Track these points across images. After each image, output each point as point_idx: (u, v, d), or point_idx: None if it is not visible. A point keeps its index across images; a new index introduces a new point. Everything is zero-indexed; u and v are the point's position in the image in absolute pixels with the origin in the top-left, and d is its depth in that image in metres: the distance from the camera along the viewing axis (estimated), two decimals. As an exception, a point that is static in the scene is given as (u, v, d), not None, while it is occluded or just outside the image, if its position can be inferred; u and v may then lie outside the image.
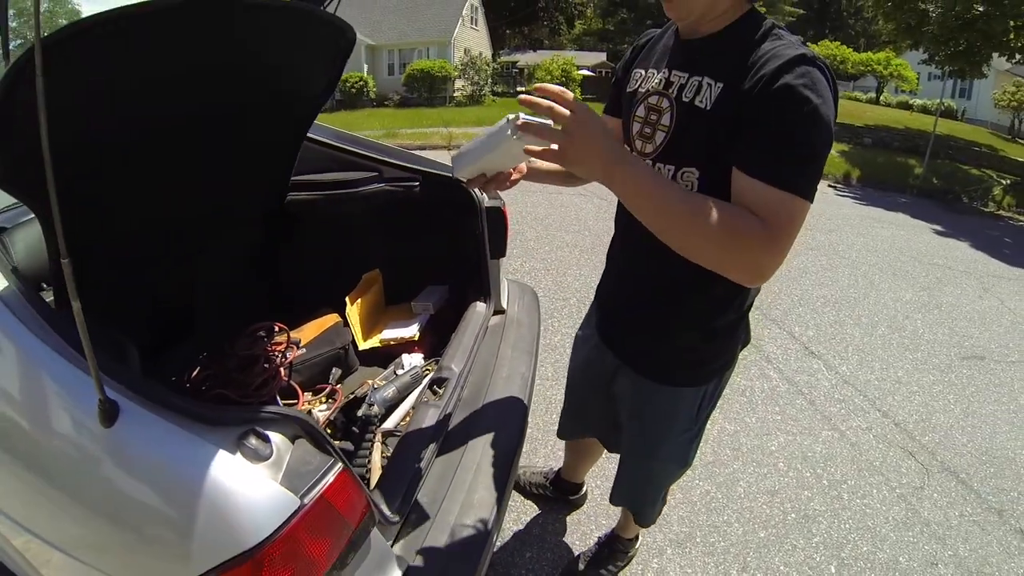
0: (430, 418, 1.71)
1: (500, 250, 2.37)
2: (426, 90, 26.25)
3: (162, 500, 1.00)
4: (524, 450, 2.30)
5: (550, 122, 1.01)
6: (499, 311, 2.43)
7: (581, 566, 2.23)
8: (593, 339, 1.76)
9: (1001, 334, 5.23)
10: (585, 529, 2.48)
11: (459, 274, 2.51)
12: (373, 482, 1.63)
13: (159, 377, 2.01)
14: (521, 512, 2.53)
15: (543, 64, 23.53)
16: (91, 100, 1.32)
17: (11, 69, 1.00)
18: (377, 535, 1.23)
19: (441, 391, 1.84)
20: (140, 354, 1.53)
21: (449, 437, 1.73)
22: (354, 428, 1.92)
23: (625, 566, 2.28)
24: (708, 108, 1.15)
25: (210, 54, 1.50)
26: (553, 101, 0.99)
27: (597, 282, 1.78)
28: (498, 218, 2.32)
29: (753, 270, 1.04)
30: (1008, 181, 14.04)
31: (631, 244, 1.48)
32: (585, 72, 28.41)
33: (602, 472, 2.68)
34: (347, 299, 2.43)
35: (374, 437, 1.84)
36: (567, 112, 0.98)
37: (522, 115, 1.03)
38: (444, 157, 1.61)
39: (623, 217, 1.51)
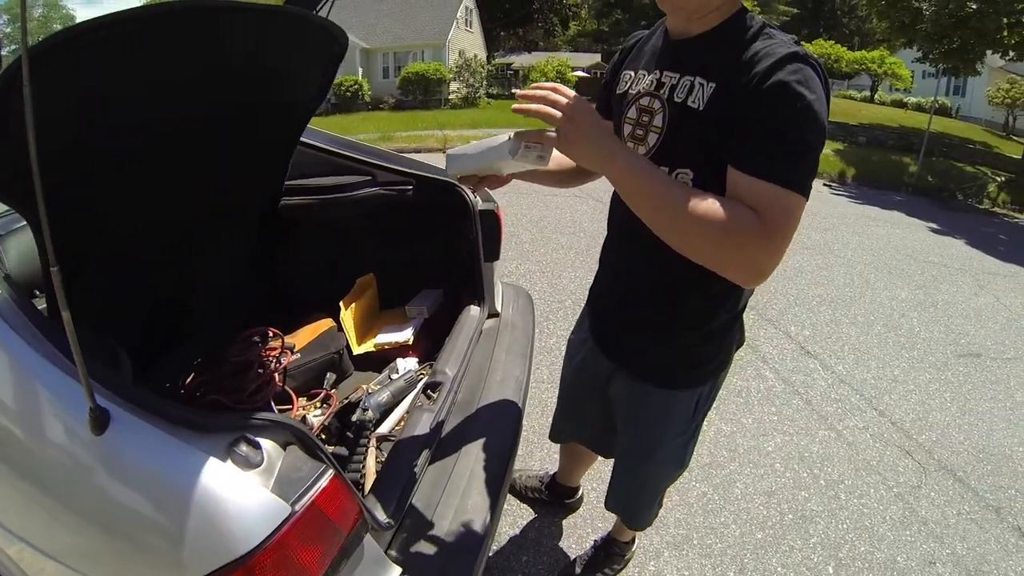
0: (424, 423, 1.70)
1: (494, 253, 2.37)
2: (421, 93, 26.28)
3: (154, 508, 1.00)
4: (520, 453, 2.30)
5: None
6: (493, 314, 2.43)
7: (577, 570, 2.22)
8: (587, 343, 1.75)
9: (997, 331, 5.24)
10: (581, 532, 2.47)
11: (453, 277, 2.50)
12: (368, 487, 1.63)
13: (154, 383, 2.02)
14: (517, 516, 2.52)
15: (538, 66, 23.57)
16: (84, 105, 1.32)
17: (2, 76, 1.00)
18: (371, 541, 1.22)
19: (435, 395, 1.83)
20: (136, 359, 1.53)
21: (444, 442, 1.72)
22: (349, 433, 1.92)
23: (622, 569, 2.27)
24: (701, 108, 1.14)
25: (202, 59, 1.50)
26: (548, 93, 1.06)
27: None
28: (492, 221, 2.32)
29: (752, 267, 1.03)
30: (1003, 178, 14.08)
31: (627, 243, 1.47)
32: (580, 73, 28.47)
33: (598, 475, 2.68)
34: (341, 304, 2.42)
35: (368, 442, 1.83)
36: (563, 100, 1.04)
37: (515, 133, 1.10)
38: (439, 160, 1.60)
39: (618, 216, 1.51)
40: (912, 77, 28.63)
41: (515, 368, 2.11)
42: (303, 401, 2.13)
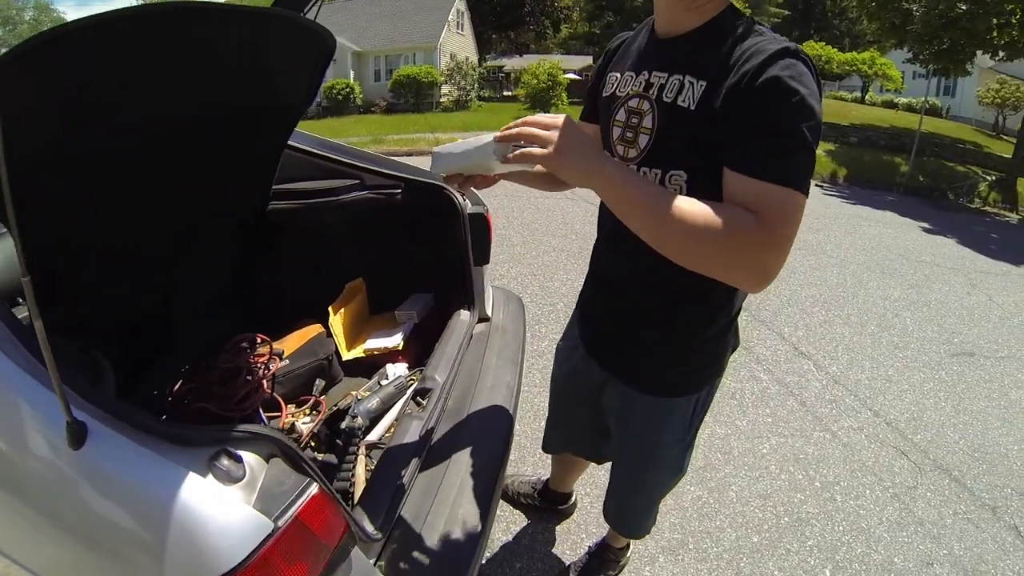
0: (414, 431, 1.68)
1: (484, 257, 2.34)
2: (413, 96, 26.24)
3: (136, 523, 0.98)
4: (512, 458, 2.28)
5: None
6: (484, 319, 2.40)
7: (572, 576, 2.20)
8: (578, 350, 1.72)
9: (990, 330, 5.25)
10: (575, 538, 2.45)
11: (443, 281, 2.48)
12: (357, 496, 1.60)
13: (140, 391, 1.99)
14: (510, 522, 2.50)
15: (529, 68, 23.47)
16: (69, 107, 1.30)
17: None
18: (359, 554, 1.20)
19: (425, 402, 1.81)
20: (126, 365, 1.50)
21: (434, 450, 1.70)
22: (338, 441, 1.89)
23: (617, 575, 2.25)
24: (693, 108, 1.11)
25: (190, 61, 1.47)
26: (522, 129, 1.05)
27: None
28: (481, 224, 2.29)
29: (757, 271, 1.00)
30: (993, 177, 14.13)
31: (618, 248, 1.44)
32: (571, 76, 28.40)
33: (592, 480, 2.66)
34: (330, 309, 2.40)
35: (358, 450, 1.80)
36: (549, 123, 1.03)
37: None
38: (429, 163, 1.58)
39: (608, 221, 1.47)
40: (902, 78, 28.73)
41: (506, 374, 2.09)
42: (292, 408, 2.09)
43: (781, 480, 2.92)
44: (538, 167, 1.09)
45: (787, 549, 2.47)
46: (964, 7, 12.59)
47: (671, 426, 1.57)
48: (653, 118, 1.20)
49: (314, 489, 1.04)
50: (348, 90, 25.83)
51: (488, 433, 1.81)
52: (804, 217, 1.01)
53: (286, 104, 2.02)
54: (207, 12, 1.36)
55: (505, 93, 36.41)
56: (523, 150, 1.04)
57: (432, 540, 1.41)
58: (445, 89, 27.73)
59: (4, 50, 1.11)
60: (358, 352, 2.39)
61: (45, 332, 0.81)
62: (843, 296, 5.70)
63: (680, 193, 1.06)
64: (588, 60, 39.40)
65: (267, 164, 2.23)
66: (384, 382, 2.14)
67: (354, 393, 2.13)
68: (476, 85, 29.17)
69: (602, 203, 1.43)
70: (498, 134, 1.08)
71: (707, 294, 1.32)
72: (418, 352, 2.36)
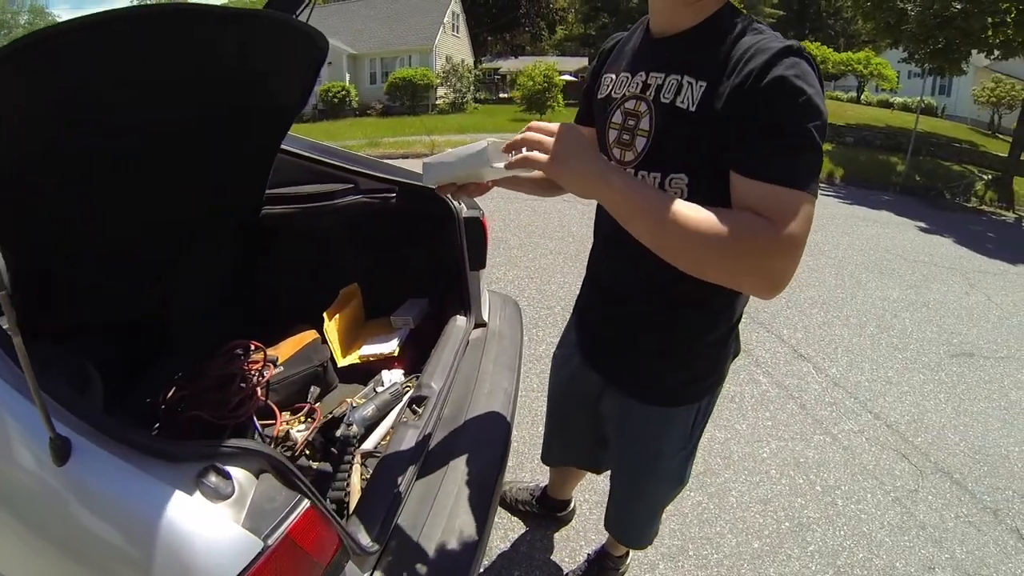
0: (410, 439, 1.65)
1: (480, 261, 2.31)
2: (408, 98, 26.28)
3: (123, 541, 0.96)
4: (510, 465, 2.25)
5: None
6: (480, 324, 2.38)
7: (571, 584, 2.18)
8: (575, 358, 1.69)
9: (989, 330, 5.23)
10: (574, 546, 2.42)
11: (439, 286, 2.46)
12: (352, 506, 1.57)
13: (133, 398, 1.96)
14: (508, 530, 2.47)
15: (525, 70, 23.44)
16: (65, 107, 1.28)
17: None
18: (353, 568, 1.17)
19: (420, 410, 1.78)
20: (117, 373, 1.48)
21: (430, 458, 1.67)
22: (333, 449, 1.86)
23: (616, 583, 2.23)
24: (693, 109, 1.08)
25: (183, 63, 1.45)
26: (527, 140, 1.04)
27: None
28: (477, 228, 2.27)
29: (765, 277, 0.96)
30: (989, 176, 14.13)
31: (615, 252, 1.40)
32: (567, 77, 28.39)
33: (591, 486, 2.63)
34: (325, 314, 2.37)
35: (353, 458, 1.78)
36: (551, 129, 1.02)
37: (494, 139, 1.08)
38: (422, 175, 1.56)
39: (606, 224, 1.44)
40: (898, 77, 28.79)
41: (503, 380, 2.06)
42: (287, 415, 2.06)
43: (781, 484, 2.89)
44: (537, 173, 1.06)
45: (788, 555, 2.45)
46: (959, 6, 12.59)
47: (671, 436, 1.53)
48: (651, 120, 1.17)
49: (305, 505, 1.01)
50: (344, 93, 25.86)
51: (485, 440, 1.78)
52: (803, 218, 0.98)
53: (280, 105, 2.00)
54: (203, 13, 1.34)
55: (501, 95, 36.39)
56: (524, 155, 1.01)
57: (429, 550, 1.39)
58: (441, 91, 27.77)
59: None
60: (353, 358, 2.37)
61: (26, 345, 0.79)
62: (842, 297, 5.69)
63: (681, 197, 1.03)
64: (584, 61, 39.40)
65: (261, 166, 2.21)
66: (380, 389, 2.11)
67: (349, 400, 2.10)
68: (472, 87, 29.19)
69: (599, 207, 1.40)
70: (495, 139, 1.06)
71: (708, 299, 1.29)
72: (414, 358, 2.33)
